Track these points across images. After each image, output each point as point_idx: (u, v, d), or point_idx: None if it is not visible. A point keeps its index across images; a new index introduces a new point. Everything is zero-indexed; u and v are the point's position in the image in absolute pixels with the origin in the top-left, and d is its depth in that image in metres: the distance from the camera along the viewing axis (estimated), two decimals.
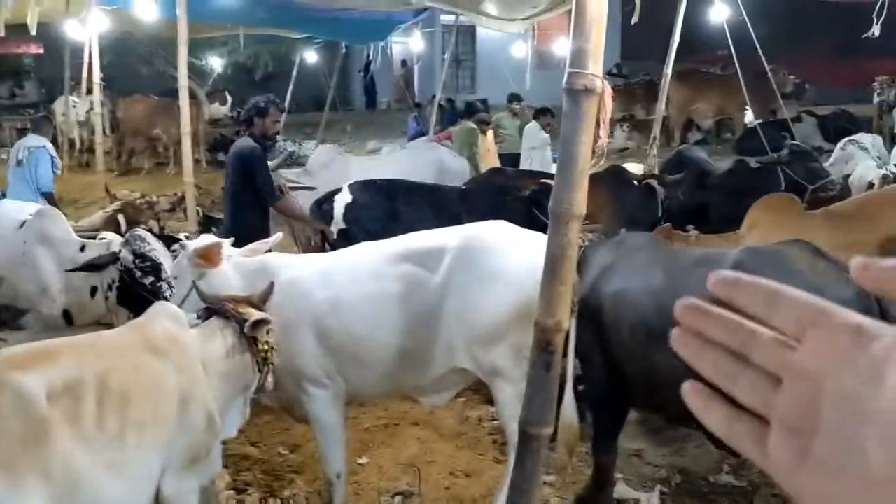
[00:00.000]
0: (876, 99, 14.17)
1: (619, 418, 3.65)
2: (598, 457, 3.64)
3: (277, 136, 12.37)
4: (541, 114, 10.50)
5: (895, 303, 2.87)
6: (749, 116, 10.56)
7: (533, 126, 10.32)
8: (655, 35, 11.33)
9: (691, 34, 10.33)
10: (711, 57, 16.69)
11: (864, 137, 8.40)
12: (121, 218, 5.60)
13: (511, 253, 3.31)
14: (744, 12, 8.08)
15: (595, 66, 2.35)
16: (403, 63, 21.48)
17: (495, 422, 4.85)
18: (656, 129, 8.40)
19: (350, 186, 5.96)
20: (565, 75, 2.41)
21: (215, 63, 16.82)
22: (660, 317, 3.16)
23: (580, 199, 2.46)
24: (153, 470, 2.46)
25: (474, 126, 9.35)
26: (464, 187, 6.50)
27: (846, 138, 8.32)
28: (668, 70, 8.21)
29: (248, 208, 5.30)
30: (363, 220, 5.72)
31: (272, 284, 3.12)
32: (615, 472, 4.21)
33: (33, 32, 7.72)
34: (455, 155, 8.44)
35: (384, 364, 3.44)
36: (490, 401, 5.11)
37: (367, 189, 5.94)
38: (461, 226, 3.67)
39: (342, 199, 5.86)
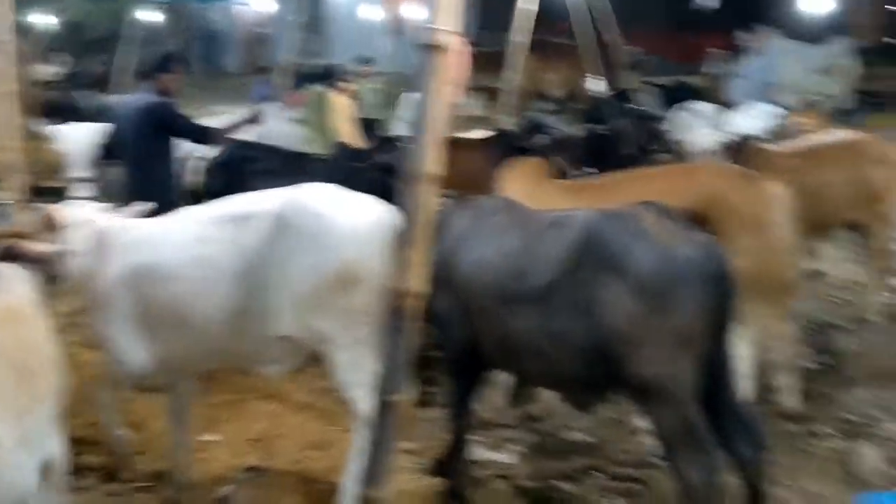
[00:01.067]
0: (709, 70, 14.95)
1: (475, 382, 3.65)
2: (453, 421, 3.63)
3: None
4: None
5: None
6: (596, 86, 10.87)
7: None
8: (509, 5, 11.40)
9: (544, 5, 10.51)
10: (562, 28, 17.03)
11: (700, 105, 8.80)
12: None
13: (333, 216, 3.19)
14: None
15: (450, 23, 2.28)
16: (251, 26, 20.70)
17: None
18: (506, 98, 8.49)
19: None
20: (422, 31, 2.32)
21: (44, 21, 15.55)
22: (515, 280, 3.16)
23: (435, 161, 2.39)
24: None
25: (325, 91, 9.09)
26: (320, 155, 6.28)
27: (681, 105, 8.69)
28: (518, 39, 8.28)
29: (160, 168, 5.08)
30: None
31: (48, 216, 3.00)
32: (471, 435, 4.25)
33: None
34: (290, 120, 8.16)
35: (208, 334, 3.29)
36: None
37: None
38: (284, 188, 3.54)
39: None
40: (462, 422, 3.64)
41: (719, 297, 2.89)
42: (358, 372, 3.18)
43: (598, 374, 3.04)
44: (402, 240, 2.42)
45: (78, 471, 3.70)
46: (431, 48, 2.28)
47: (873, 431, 4.33)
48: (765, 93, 12.16)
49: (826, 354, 5.37)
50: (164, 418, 4.27)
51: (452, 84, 2.30)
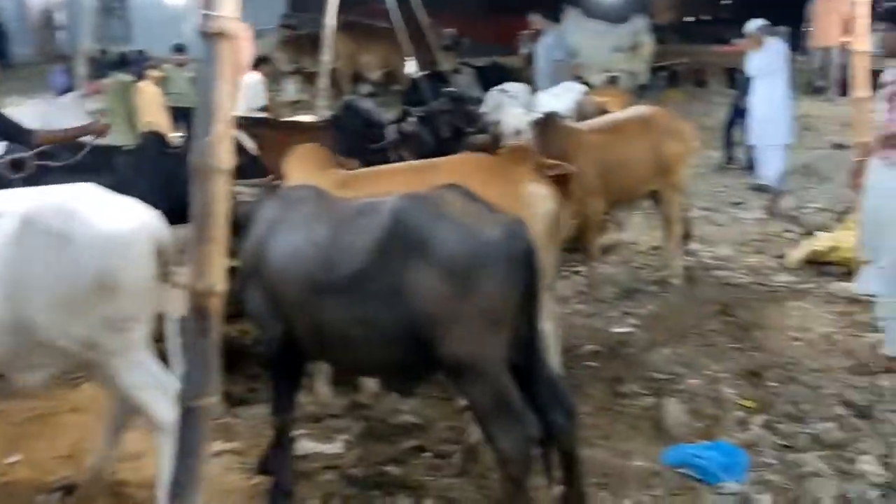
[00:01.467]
0: (521, 51, 15.45)
1: (296, 375, 3.58)
2: (276, 417, 3.55)
3: None
4: (261, 62, 10.18)
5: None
6: (411, 68, 10.94)
7: (256, 78, 9.89)
8: None
9: None
10: (377, 10, 17.00)
11: (513, 86, 9.04)
12: None
13: (89, 220, 3.01)
14: None
15: (229, 8, 2.18)
16: (42, 10, 19.17)
17: None
18: (322, 81, 8.37)
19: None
20: (199, 18, 2.21)
21: None
22: (326, 271, 3.12)
23: (224, 151, 2.29)
24: None
25: (129, 79, 8.61)
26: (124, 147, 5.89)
27: (496, 87, 8.89)
28: (330, 21, 8.17)
29: None
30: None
31: None
32: (298, 428, 4.18)
33: None
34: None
35: None
36: None
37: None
38: (35, 188, 3.33)
39: None
40: (286, 416, 3.57)
41: (525, 275, 2.97)
42: (140, 376, 3.09)
43: (413, 358, 3.06)
44: (198, 236, 2.31)
45: None
46: (212, 36, 2.18)
47: (677, 387, 4.65)
48: (565, 71, 12.71)
49: (633, 317, 5.71)
50: None
51: (237, 71, 2.21)
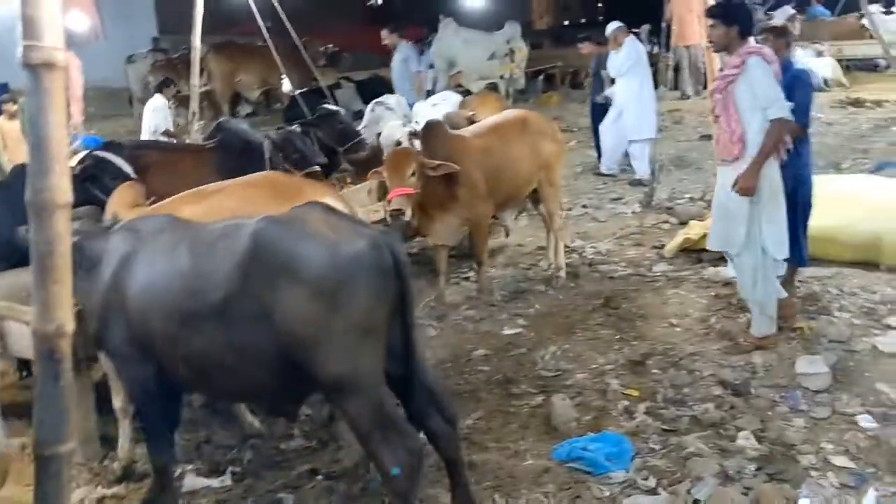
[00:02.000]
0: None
1: (172, 411, 3.47)
2: (155, 457, 3.43)
3: None
4: (164, 86, 9.95)
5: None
6: (287, 86, 10.86)
7: (160, 102, 9.69)
8: (189, 8, 11.01)
9: (221, 6, 10.24)
10: (251, 29, 16.78)
11: (390, 99, 9.07)
12: None
13: None
14: None
15: (53, 37, 2.09)
16: None
17: None
18: (193, 105, 8.19)
19: None
20: (19, 49, 2.10)
21: None
22: (191, 299, 3.04)
23: (63, 186, 2.19)
24: None
25: None
26: None
27: (374, 101, 8.90)
28: (197, 42, 8.00)
29: None
30: None
31: None
32: (185, 464, 4.05)
33: None
34: None
35: None
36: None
37: None
38: None
39: None
40: (164, 456, 3.45)
41: (393, 285, 2.97)
42: None
43: (288, 381, 3.01)
44: (42, 276, 2.20)
45: None
46: (37, 67, 2.08)
47: (565, 383, 4.75)
48: (441, 80, 12.86)
49: (521, 318, 5.80)
50: None
51: (70, 101, 2.12)
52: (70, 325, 2.27)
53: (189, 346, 3.07)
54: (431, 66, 13.97)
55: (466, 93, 11.16)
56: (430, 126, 6.07)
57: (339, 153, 6.66)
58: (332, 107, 7.57)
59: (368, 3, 8.67)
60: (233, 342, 2.96)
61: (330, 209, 3.09)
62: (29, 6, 2.09)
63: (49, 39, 2.08)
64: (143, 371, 3.24)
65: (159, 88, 10.25)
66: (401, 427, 2.95)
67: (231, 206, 4.13)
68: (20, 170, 5.61)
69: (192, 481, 3.92)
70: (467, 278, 6.70)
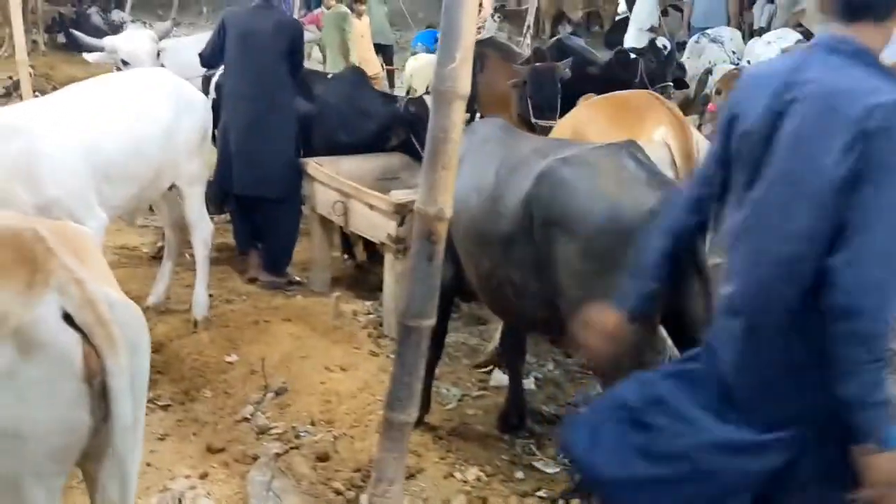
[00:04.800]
0: None
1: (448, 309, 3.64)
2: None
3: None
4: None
5: None
6: (622, 6, 10.56)
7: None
8: None
9: None
10: None
11: (723, 31, 8.49)
12: None
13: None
14: None
15: None
16: None
17: (370, 315, 4.76)
18: (529, 19, 8.26)
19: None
20: None
21: None
22: (485, 220, 3.09)
23: (464, 77, 2.29)
24: None
25: (346, 10, 8.85)
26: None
27: (701, 31, 8.41)
28: None
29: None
30: None
31: None
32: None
33: None
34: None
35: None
36: (364, 296, 5.02)
37: None
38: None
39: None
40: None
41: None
42: None
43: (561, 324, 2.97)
44: (432, 160, 2.34)
45: None
46: None
47: None
48: (781, 15, 11.70)
49: None
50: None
51: None
52: (449, 211, 2.40)
53: (479, 263, 3.15)
54: (770, 1, 12.87)
55: (807, 34, 10.18)
56: None
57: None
58: (664, 40, 7.20)
59: None
60: (512, 276, 2.99)
61: (636, 154, 2.89)
62: None
63: None
64: (445, 272, 3.38)
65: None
66: None
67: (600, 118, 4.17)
68: (353, 70, 6.18)
69: (499, 377, 4.11)
70: None
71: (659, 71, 6.08)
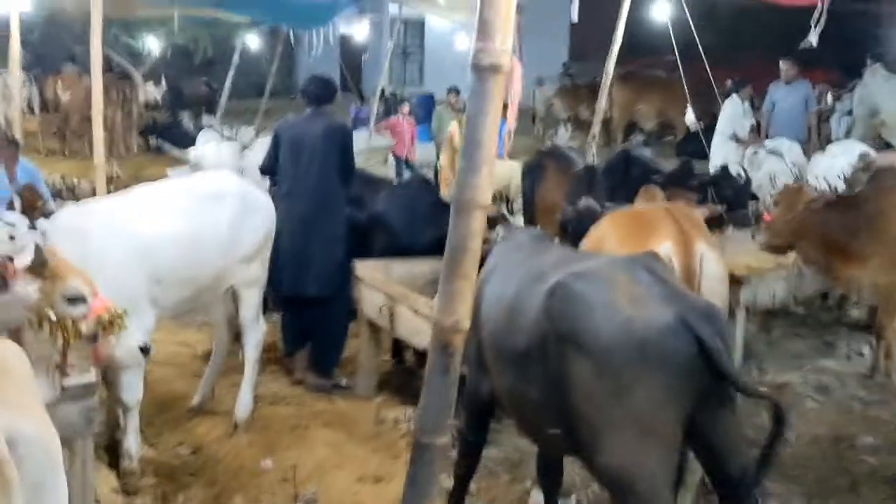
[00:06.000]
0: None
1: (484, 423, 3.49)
2: (459, 467, 3.53)
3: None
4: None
5: None
6: (690, 117, 10.50)
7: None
8: (602, 36, 11.25)
9: (636, 36, 10.23)
10: (655, 61, 16.75)
11: (783, 143, 8.32)
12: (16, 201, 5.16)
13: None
14: (687, 13, 8.00)
15: (503, 42, 2.14)
16: (354, 52, 20.99)
17: (412, 423, 4.63)
18: (595, 128, 8.28)
19: None
20: (471, 51, 2.19)
21: (152, 45, 16.10)
22: (504, 332, 2.96)
23: (485, 187, 2.25)
24: None
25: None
26: None
27: (762, 143, 8.31)
28: (610, 70, 8.07)
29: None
30: None
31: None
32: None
33: None
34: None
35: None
36: (409, 401, 4.91)
37: None
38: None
39: None
40: (471, 465, 3.56)
41: (697, 379, 2.56)
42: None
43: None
44: (450, 269, 2.28)
45: None
46: (484, 69, 2.15)
47: None
48: (860, 127, 11.41)
49: None
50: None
51: (506, 107, 2.17)
52: (466, 323, 2.32)
53: (502, 378, 3.02)
54: (849, 113, 12.65)
55: (887, 145, 9.93)
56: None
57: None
58: (739, 168, 7.05)
59: (801, 47, 8.00)
60: (530, 393, 2.84)
61: (655, 269, 2.78)
62: (486, 10, 2.16)
63: (499, 43, 2.14)
64: (480, 384, 3.24)
65: None
66: None
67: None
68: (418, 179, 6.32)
69: (538, 497, 3.89)
70: (861, 354, 5.91)
71: (734, 198, 6.01)
